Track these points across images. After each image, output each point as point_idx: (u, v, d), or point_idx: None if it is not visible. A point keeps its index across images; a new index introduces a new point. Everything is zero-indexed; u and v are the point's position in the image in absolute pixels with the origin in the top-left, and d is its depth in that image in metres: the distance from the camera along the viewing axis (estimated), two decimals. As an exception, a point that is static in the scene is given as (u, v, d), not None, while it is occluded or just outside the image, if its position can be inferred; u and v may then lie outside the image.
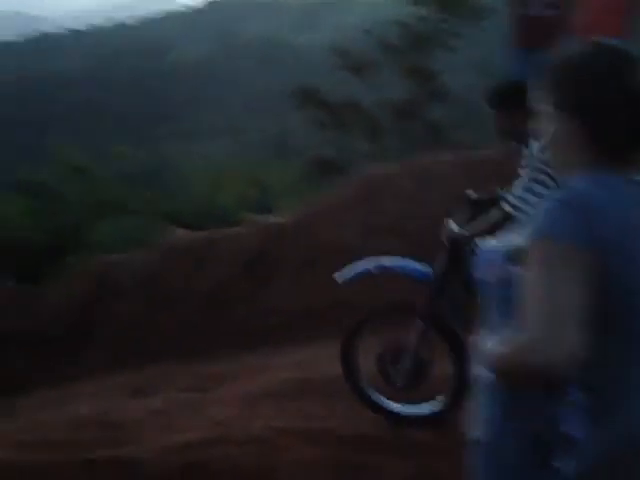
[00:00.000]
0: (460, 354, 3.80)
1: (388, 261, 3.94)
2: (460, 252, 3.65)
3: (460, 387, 3.79)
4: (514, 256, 1.61)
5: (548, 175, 3.03)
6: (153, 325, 8.66)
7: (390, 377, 3.96)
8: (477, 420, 1.95)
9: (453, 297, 3.79)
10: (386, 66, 14.52)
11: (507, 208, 3.29)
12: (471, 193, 3.94)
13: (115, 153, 24.07)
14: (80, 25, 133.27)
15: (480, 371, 1.87)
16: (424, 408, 4.04)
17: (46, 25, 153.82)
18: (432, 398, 4.05)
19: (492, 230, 3.25)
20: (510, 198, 3.29)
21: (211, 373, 6.40)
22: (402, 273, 3.91)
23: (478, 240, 3.36)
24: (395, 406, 4.08)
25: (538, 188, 3.12)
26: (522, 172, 3.34)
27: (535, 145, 3.14)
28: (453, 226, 3.72)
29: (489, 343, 1.47)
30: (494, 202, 3.44)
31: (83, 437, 5.32)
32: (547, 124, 1.49)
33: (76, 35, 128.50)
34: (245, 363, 6.41)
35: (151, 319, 8.79)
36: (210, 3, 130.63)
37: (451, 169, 8.41)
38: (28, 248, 13.74)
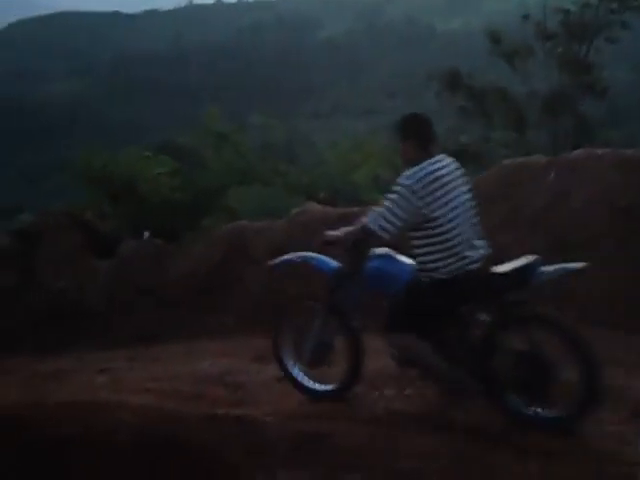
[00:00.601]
0: (354, 340, 4.41)
1: (309, 255, 4.62)
2: (360, 253, 4.07)
3: (353, 368, 4.43)
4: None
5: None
6: (279, 294, 8.82)
7: (300, 356, 4.58)
8: None
9: (351, 292, 4.26)
10: (541, 55, 13.87)
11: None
12: None
13: (257, 124, 24.71)
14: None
15: None
16: (324, 387, 4.61)
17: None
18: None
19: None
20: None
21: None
22: (316, 266, 4.49)
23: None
24: (308, 383, 4.65)
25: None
26: None
27: None
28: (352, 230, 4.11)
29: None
30: None
31: (207, 392, 5.53)
32: None
33: (223, 6, 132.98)
34: (370, 342, 6.37)
35: (278, 288, 8.97)
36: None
37: (603, 166, 7.91)
38: (169, 207, 14.46)
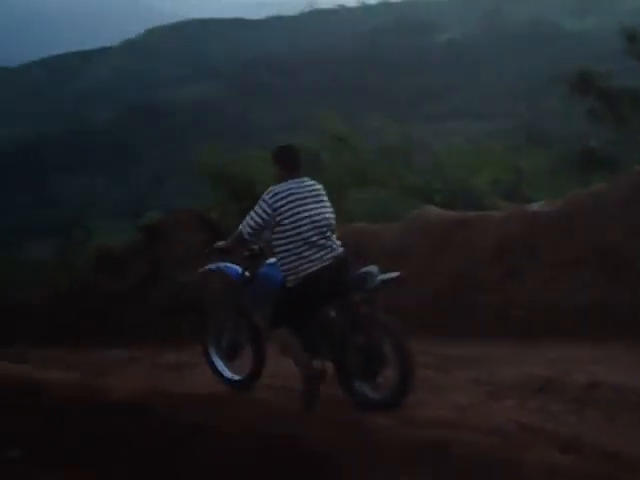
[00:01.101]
0: (255, 338, 5.08)
1: (222, 265, 5.29)
2: (255, 261, 5.01)
3: (256, 362, 5.14)
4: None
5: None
6: (396, 299, 8.71)
7: (220, 350, 5.33)
8: None
9: (252, 294, 4.96)
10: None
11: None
12: None
13: (373, 126, 24.67)
14: (352, 2, 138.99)
15: None
16: (236, 377, 5.31)
17: (323, 1, 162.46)
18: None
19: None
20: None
21: (453, 355, 6.27)
22: (227, 273, 5.21)
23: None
24: (227, 373, 5.36)
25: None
26: None
27: None
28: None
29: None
30: None
31: (325, 393, 5.54)
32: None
33: (345, 11, 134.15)
34: (489, 351, 6.18)
35: (394, 292, 8.87)
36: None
37: None
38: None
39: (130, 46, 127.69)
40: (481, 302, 7.95)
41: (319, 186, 4.79)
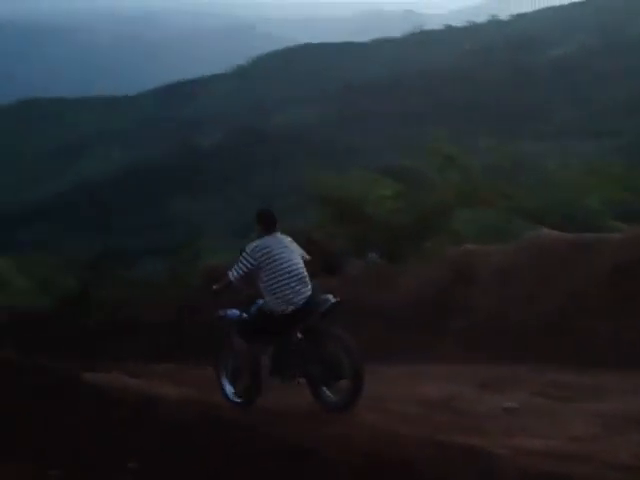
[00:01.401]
0: (252, 366, 5.86)
1: (230, 311, 6.09)
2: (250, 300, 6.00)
3: (252, 388, 5.90)
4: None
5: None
6: (506, 322, 8.48)
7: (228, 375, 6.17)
8: None
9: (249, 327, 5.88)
10: None
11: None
12: None
13: (482, 146, 24.22)
14: (461, 22, 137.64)
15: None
16: (237, 400, 6.02)
17: (431, 22, 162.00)
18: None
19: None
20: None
21: (566, 383, 6.00)
22: (229, 317, 6.06)
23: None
24: (231, 395, 6.06)
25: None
26: None
27: None
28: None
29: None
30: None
31: (432, 417, 5.44)
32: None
33: (452, 31, 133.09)
34: (601, 379, 5.87)
35: (504, 315, 8.63)
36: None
37: None
38: (393, 228, 14.64)
39: (241, 72, 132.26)
40: (593, 327, 7.59)
41: (289, 239, 5.97)
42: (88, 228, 69.73)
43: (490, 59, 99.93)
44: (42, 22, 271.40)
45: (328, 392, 5.41)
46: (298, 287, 5.64)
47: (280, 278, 5.60)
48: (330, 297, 5.70)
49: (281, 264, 5.64)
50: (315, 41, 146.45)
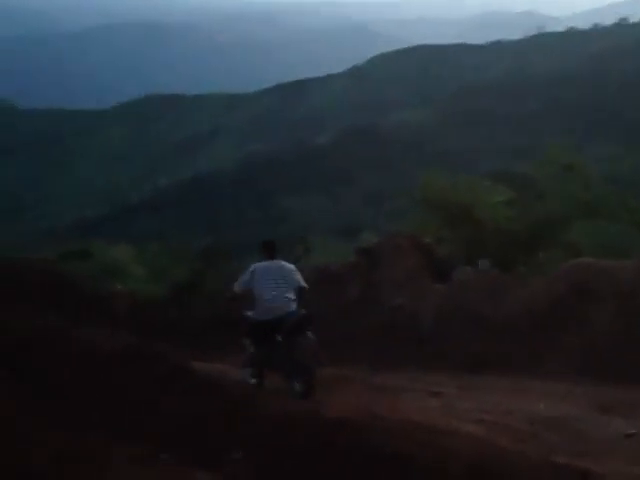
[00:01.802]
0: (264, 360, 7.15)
1: (248, 312, 7.33)
2: None
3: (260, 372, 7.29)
4: None
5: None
6: (625, 342, 8.02)
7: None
8: None
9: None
10: None
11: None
12: None
13: (601, 154, 23.13)
14: (586, 24, 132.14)
15: None
16: (252, 381, 7.26)
17: (553, 24, 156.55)
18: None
19: None
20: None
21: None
22: (247, 317, 7.34)
23: None
24: (248, 378, 7.21)
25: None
26: None
27: None
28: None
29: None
30: None
31: (543, 436, 5.21)
32: None
33: (575, 34, 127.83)
34: None
35: (623, 335, 8.17)
36: None
37: None
38: (505, 237, 14.21)
39: (355, 72, 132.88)
40: None
41: (289, 266, 7.27)
42: (200, 221, 72.42)
43: (616, 63, 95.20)
44: (166, 21, 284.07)
45: (295, 384, 6.67)
46: (279, 303, 6.90)
47: (265, 294, 6.91)
48: (303, 312, 6.94)
49: (269, 284, 6.96)
50: (430, 42, 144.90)
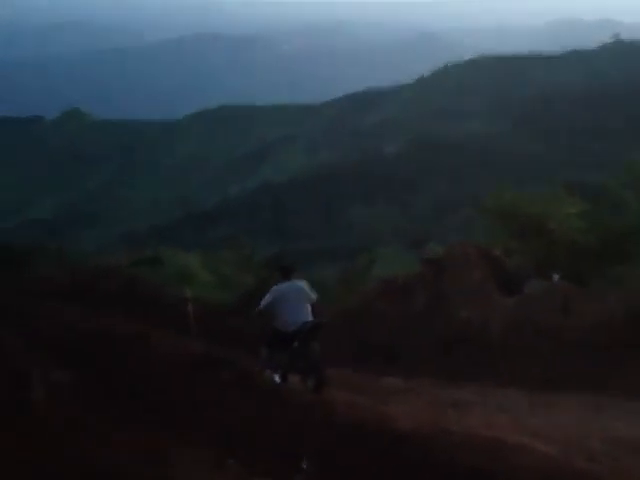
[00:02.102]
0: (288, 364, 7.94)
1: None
2: None
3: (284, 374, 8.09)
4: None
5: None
6: None
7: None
8: None
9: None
10: None
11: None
12: None
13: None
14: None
15: None
16: (278, 381, 8.03)
17: (632, 31, 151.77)
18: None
19: None
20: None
21: None
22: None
23: None
24: (275, 379, 7.94)
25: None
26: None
27: None
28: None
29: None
30: None
31: (625, 461, 4.99)
32: None
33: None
34: None
35: None
36: None
37: None
38: (578, 249, 13.79)
39: (425, 81, 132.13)
40: None
41: (301, 283, 8.15)
42: (268, 229, 73.27)
43: None
44: (248, 34, 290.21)
45: (309, 382, 7.55)
46: (298, 316, 7.83)
47: (286, 315, 7.82)
48: (314, 321, 7.84)
49: (288, 300, 7.90)
50: (503, 51, 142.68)
